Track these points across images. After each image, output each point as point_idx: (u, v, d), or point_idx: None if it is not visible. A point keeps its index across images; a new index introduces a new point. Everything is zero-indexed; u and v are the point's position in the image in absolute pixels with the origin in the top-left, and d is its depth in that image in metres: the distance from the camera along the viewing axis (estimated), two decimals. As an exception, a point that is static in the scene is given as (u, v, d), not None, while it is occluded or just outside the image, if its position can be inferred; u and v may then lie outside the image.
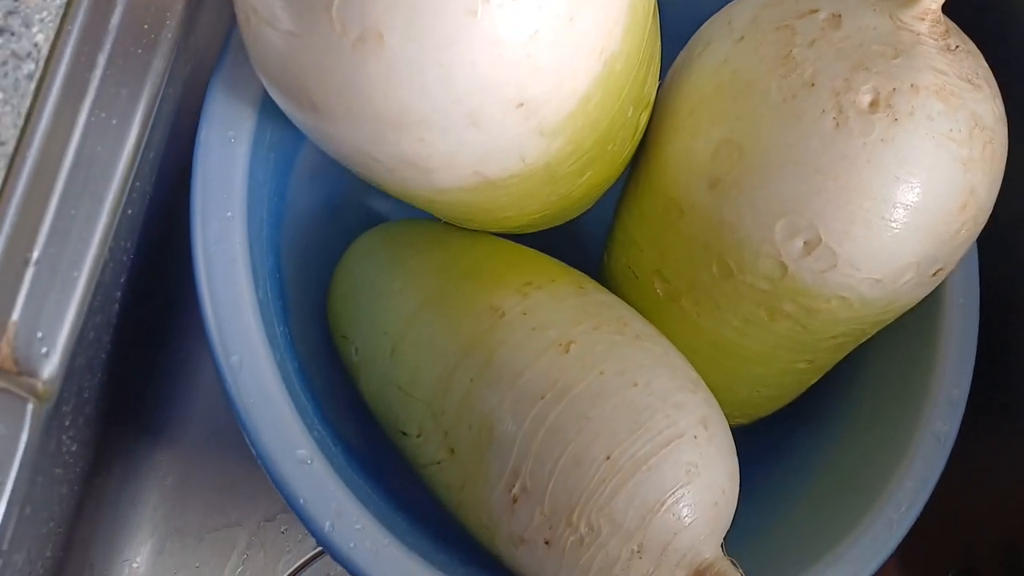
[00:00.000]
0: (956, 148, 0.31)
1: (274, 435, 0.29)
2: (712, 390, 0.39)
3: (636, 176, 0.38)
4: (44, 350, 0.23)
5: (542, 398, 0.31)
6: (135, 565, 0.39)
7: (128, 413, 0.38)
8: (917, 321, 0.40)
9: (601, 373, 0.31)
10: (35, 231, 0.23)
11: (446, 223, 0.38)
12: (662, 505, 0.30)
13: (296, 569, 0.42)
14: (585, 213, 0.42)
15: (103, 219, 0.24)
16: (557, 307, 0.33)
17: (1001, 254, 0.42)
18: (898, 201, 0.31)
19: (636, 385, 0.31)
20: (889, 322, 0.36)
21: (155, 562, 0.39)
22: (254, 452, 0.30)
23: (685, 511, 0.30)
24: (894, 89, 0.31)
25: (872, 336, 0.38)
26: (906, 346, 0.41)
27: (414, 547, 0.31)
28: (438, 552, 0.32)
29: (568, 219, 0.39)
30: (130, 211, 0.27)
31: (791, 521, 0.39)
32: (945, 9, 0.32)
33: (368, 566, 0.30)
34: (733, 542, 0.32)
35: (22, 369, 0.23)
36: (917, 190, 0.31)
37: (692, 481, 0.30)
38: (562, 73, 0.25)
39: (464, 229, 0.38)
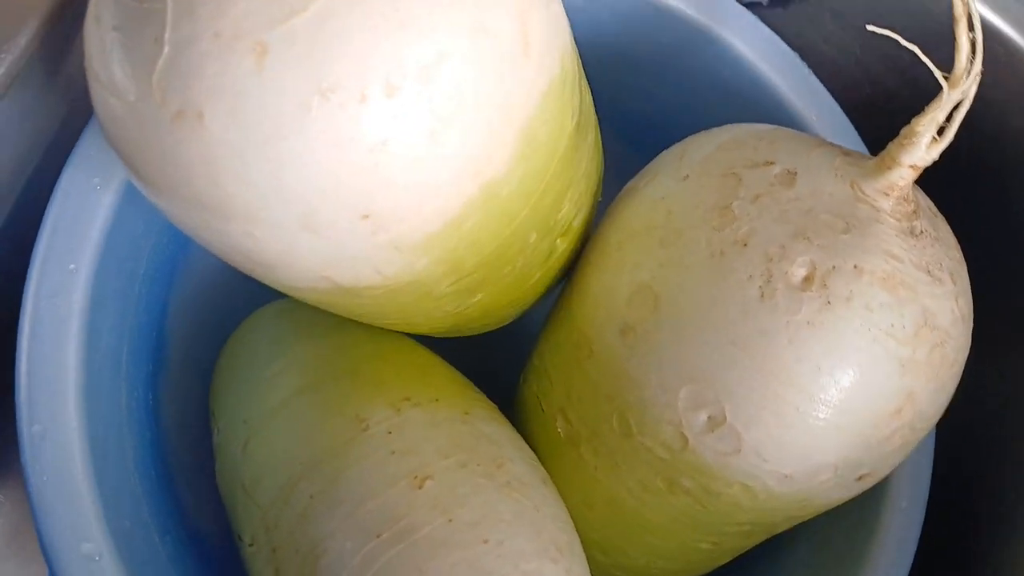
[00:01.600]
0: (896, 347, 0.27)
1: (60, 521, 0.26)
2: (605, 551, 0.35)
3: (560, 300, 0.35)
4: None
5: (378, 536, 0.27)
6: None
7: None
8: (850, 516, 0.36)
9: (450, 520, 0.28)
10: None
11: (353, 322, 0.35)
12: None
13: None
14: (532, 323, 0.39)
15: None
16: (428, 432, 0.30)
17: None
18: (818, 394, 0.27)
19: (486, 542, 0.28)
20: (807, 518, 0.32)
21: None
22: (37, 535, 0.26)
23: None
24: (834, 267, 0.27)
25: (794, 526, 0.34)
26: (836, 540, 0.36)
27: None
28: None
29: (480, 332, 0.35)
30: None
31: None
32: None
33: None
34: None
35: None
36: (842, 386, 0.27)
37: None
38: (421, 191, 0.22)
39: (368, 326, 0.35)
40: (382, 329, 0.34)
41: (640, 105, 0.40)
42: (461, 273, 0.26)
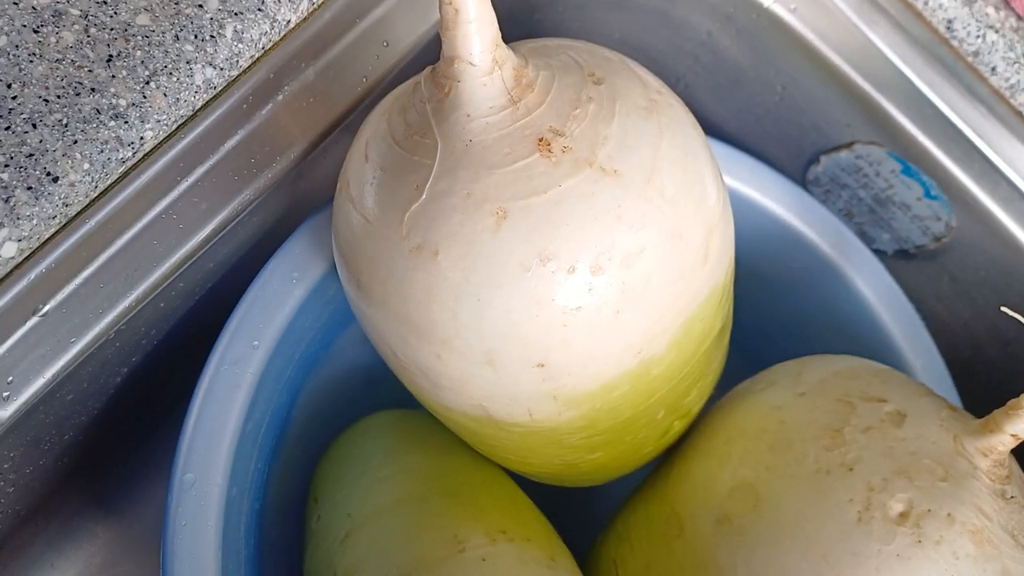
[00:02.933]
0: (976, 600, 0.29)
1: (186, 566, 0.29)
2: None
3: (655, 476, 0.37)
4: (6, 394, 0.24)
5: (457, 656, 0.29)
6: (18, 626, 0.37)
7: (88, 478, 0.37)
8: None
9: (525, 661, 0.29)
10: (57, 287, 0.24)
11: (463, 445, 0.38)
12: None
13: None
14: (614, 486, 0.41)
15: (125, 303, 0.25)
16: (517, 569, 0.32)
17: None
18: (896, 624, 0.28)
19: None
20: None
21: (39, 634, 0.38)
22: (162, 571, 0.29)
23: None
24: (929, 510, 0.29)
25: None
26: None
27: None
28: None
29: (576, 486, 0.38)
30: (162, 304, 0.28)
31: None
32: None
33: None
34: None
35: (-23, 402, 0.23)
36: (920, 621, 0.29)
37: None
38: (592, 354, 0.25)
39: (475, 453, 0.38)
40: (486, 460, 0.37)
41: (758, 319, 0.43)
42: (594, 432, 0.29)
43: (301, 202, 0.32)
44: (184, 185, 0.26)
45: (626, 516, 0.38)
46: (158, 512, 0.41)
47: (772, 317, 0.43)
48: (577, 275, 0.24)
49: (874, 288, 0.40)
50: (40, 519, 0.37)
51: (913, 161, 0.37)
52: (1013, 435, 0.30)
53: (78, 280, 0.24)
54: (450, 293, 0.24)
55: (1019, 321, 0.30)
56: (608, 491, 0.42)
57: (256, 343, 0.31)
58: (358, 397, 0.42)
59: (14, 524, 0.34)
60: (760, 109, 0.40)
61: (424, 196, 0.24)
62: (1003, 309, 0.28)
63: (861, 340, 0.41)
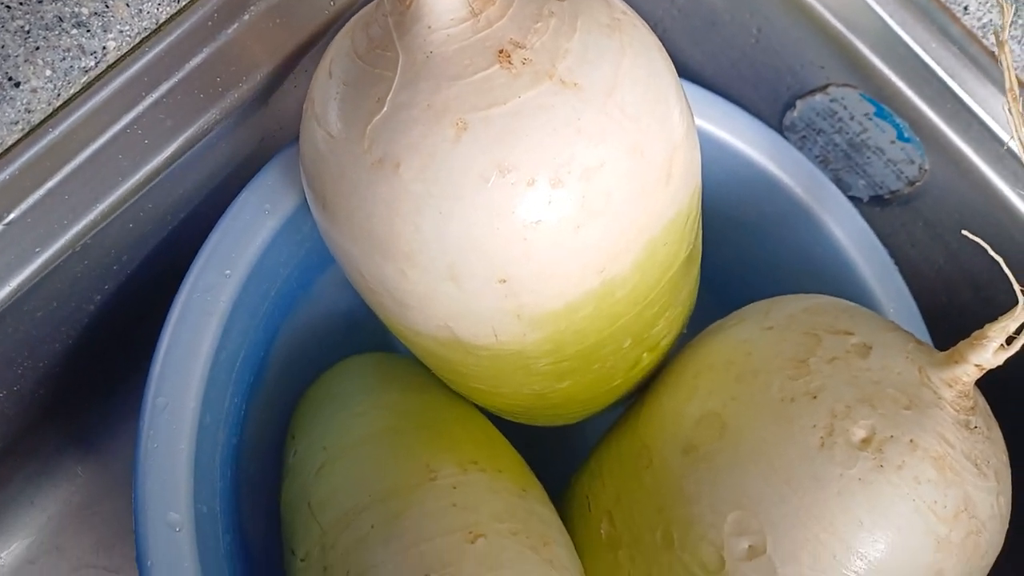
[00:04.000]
0: (935, 522, 0.29)
1: (157, 487, 0.29)
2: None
3: (627, 415, 0.38)
4: (-27, 304, 0.24)
5: (425, 575, 0.30)
6: (1, 559, 0.38)
7: (67, 415, 0.38)
8: None
9: (493, 579, 0.30)
10: (21, 197, 0.24)
11: (439, 380, 0.38)
12: None
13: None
14: (582, 426, 0.42)
15: (90, 217, 0.26)
16: (488, 496, 0.32)
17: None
18: (854, 546, 0.29)
19: (521, 607, 0.30)
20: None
21: (20, 568, 0.38)
22: (133, 494, 0.29)
23: None
24: (891, 436, 0.30)
25: None
26: None
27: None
28: None
29: (550, 424, 0.38)
30: (131, 225, 0.29)
31: None
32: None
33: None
34: None
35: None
36: (878, 545, 0.29)
37: None
38: (553, 271, 0.25)
39: (451, 391, 0.38)
40: (462, 400, 0.38)
41: (733, 262, 0.43)
42: (560, 356, 0.29)
43: (274, 136, 0.32)
44: (149, 100, 0.26)
45: (599, 454, 0.38)
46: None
47: (746, 261, 0.43)
48: (537, 187, 0.24)
49: (848, 232, 0.40)
50: (19, 456, 0.37)
51: (886, 102, 0.38)
52: (977, 365, 0.31)
53: (42, 190, 0.25)
54: (412, 205, 0.24)
55: (982, 246, 0.30)
56: (582, 436, 0.43)
57: (228, 272, 0.31)
58: (339, 341, 0.43)
59: (-8, 455, 0.34)
60: (736, 52, 0.40)
61: (385, 108, 0.24)
62: (964, 232, 0.28)
63: (834, 284, 0.41)
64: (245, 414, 0.38)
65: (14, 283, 0.25)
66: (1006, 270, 0.29)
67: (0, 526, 0.38)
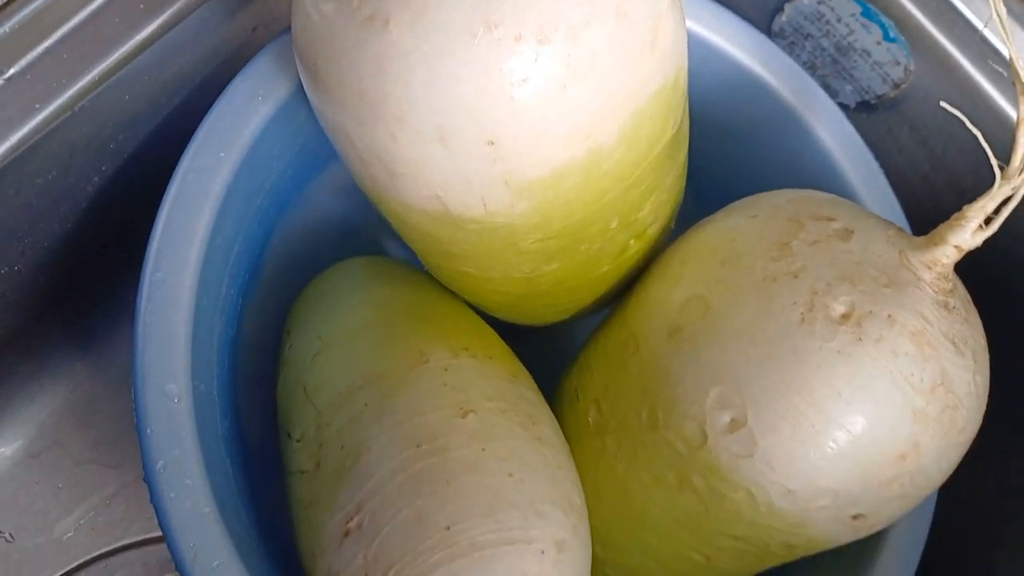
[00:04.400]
0: (912, 395, 0.30)
1: (156, 358, 0.30)
2: (605, 545, 0.37)
3: (614, 309, 0.38)
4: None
5: (418, 446, 0.31)
6: (4, 453, 0.38)
7: (67, 310, 0.38)
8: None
9: (483, 449, 0.31)
10: (21, 52, 0.25)
11: (432, 279, 0.39)
12: (475, 600, 0.28)
13: (147, 540, 0.41)
14: (573, 333, 0.43)
15: (88, 77, 0.26)
16: (478, 379, 0.33)
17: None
18: (833, 417, 0.30)
19: (511, 476, 0.30)
20: (798, 555, 0.34)
21: (22, 462, 0.39)
22: (132, 365, 0.30)
23: (496, 618, 0.28)
24: (870, 312, 0.30)
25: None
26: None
27: (232, 531, 0.30)
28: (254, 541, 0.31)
29: (538, 322, 0.39)
30: (127, 98, 0.29)
31: None
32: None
33: (177, 523, 0.29)
34: None
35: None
36: (856, 416, 0.30)
37: (516, 592, 0.29)
38: (540, 134, 0.26)
39: (443, 288, 0.39)
40: (445, 295, 0.38)
41: (719, 167, 0.44)
42: (547, 232, 0.30)
43: (266, 26, 0.33)
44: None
45: (587, 349, 0.39)
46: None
47: (732, 166, 0.44)
48: (523, 44, 0.24)
49: (834, 136, 0.41)
50: (20, 351, 0.38)
51: (872, 1, 0.38)
52: (956, 246, 0.32)
53: (41, 47, 0.25)
54: (402, 63, 0.25)
55: (964, 146, 0.30)
56: (571, 340, 0.44)
57: (223, 154, 0.32)
58: (332, 247, 0.43)
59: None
60: (724, -45, 0.40)
61: (375, -34, 0.25)
62: (942, 104, 0.28)
63: (821, 188, 0.42)
64: (241, 310, 0.38)
65: (14, 138, 0.25)
66: (984, 145, 0.30)
67: (2, 420, 0.39)
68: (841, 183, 0.41)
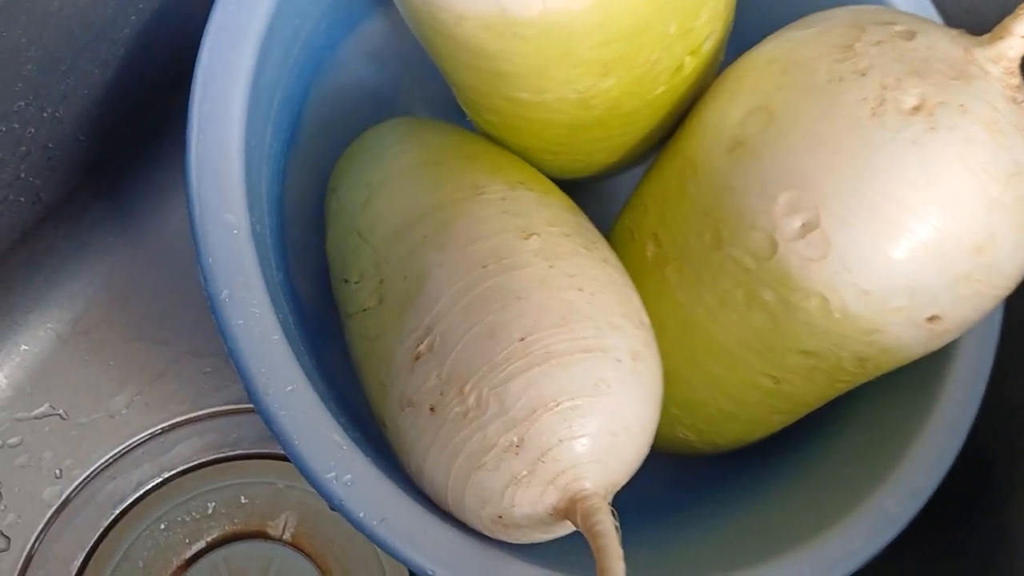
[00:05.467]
0: (988, 182, 0.29)
1: (212, 187, 0.29)
2: (669, 379, 0.36)
3: (666, 146, 0.37)
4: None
5: (483, 267, 0.30)
6: (51, 329, 0.38)
7: (104, 180, 0.38)
8: (903, 403, 0.37)
9: (551, 267, 0.30)
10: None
11: (474, 132, 0.38)
12: (557, 404, 0.28)
13: (201, 416, 0.40)
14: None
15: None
16: (538, 207, 0.33)
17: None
18: (909, 207, 0.29)
19: (581, 290, 0.30)
20: (870, 371, 0.34)
21: (71, 338, 0.38)
22: (187, 199, 0.29)
23: (579, 422, 0.28)
24: (942, 102, 0.30)
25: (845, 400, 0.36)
26: (885, 425, 0.38)
27: (301, 361, 0.30)
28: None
29: (589, 166, 0.38)
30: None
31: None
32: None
33: (247, 348, 0.28)
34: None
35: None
36: (932, 206, 0.29)
37: (597, 396, 0.28)
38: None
39: (488, 140, 0.38)
40: (494, 145, 0.37)
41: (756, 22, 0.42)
42: (606, 35, 0.29)
43: None
44: None
45: (639, 189, 0.38)
46: (179, 230, 0.42)
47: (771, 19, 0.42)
48: None
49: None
50: (61, 222, 0.37)
51: None
52: (1022, 37, 0.31)
53: None
54: None
55: None
56: (620, 196, 0.43)
57: (256, -1, 0.31)
58: (367, 113, 0.42)
59: (36, 213, 0.34)
60: None
61: None
62: None
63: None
64: (284, 167, 0.38)
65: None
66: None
67: (49, 297, 0.38)
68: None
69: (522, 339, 0.28)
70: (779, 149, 0.31)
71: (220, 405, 0.40)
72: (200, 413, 0.40)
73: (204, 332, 0.40)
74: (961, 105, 0.30)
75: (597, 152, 0.37)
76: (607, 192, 0.44)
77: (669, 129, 0.37)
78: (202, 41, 0.30)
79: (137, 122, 0.35)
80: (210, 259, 0.29)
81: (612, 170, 0.39)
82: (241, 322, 0.28)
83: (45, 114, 0.30)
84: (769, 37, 0.35)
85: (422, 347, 0.30)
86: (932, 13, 0.39)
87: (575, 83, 0.31)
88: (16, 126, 0.29)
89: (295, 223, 0.39)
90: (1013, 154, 0.30)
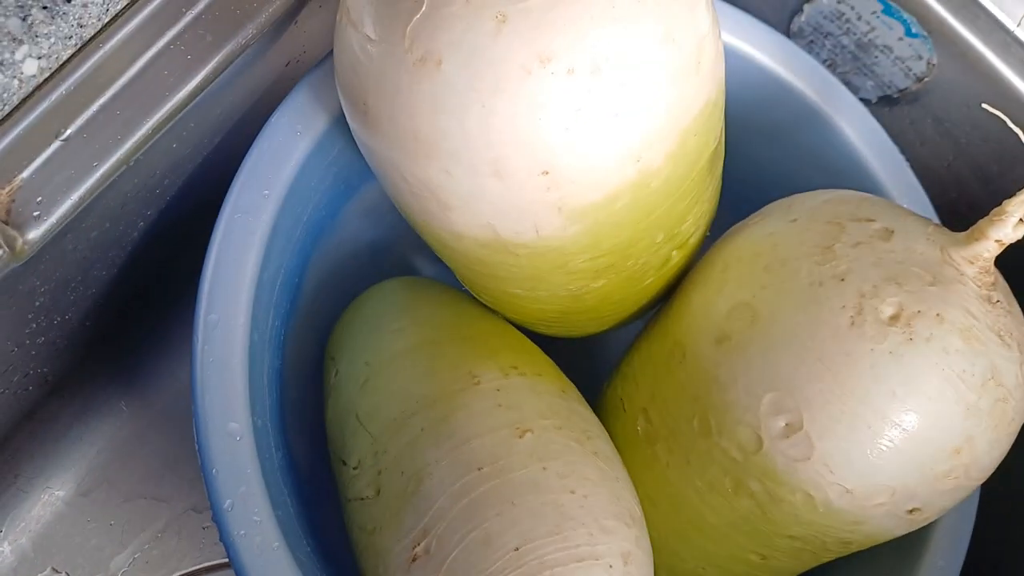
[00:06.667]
0: (964, 390, 0.30)
1: (216, 398, 0.30)
2: (659, 550, 0.37)
3: (656, 318, 0.39)
4: (37, 213, 0.25)
5: (479, 469, 0.31)
6: (56, 494, 0.39)
7: (109, 348, 0.39)
8: (887, 567, 0.38)
9: (544, 468, 0.31)
10: (77, 112, 0.25)
11: (470, 298, 0.39)
12: (550, 618, 0.29)
13: (199, 570, 0.41)
14: (608, 342, 0.43)
15: (142, 131, 0.26)
16: (530, 397, 0.34)
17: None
18: (889, 417, 0.30)
19: (573, 493, 0.31)
20: (853, 550, 0.35)
21: (75, 502, 0.39)
22: (193, 407, 0.30)
23: (571, 635, 0.29)
24: (919, 311, 0.31)
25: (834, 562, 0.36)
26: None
27: (300, 562, 0.30)
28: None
29: (581, 333, 0.39)
30: (175, 145, 0.29)
31: None
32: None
33: (249, 560, 0.29)
34: None
35: (11, 221, 0.24)
36: (911, 414, 0.30)
37: (589, 606, 0.29)
38: (593, 160, 0.26)
39: (483, 306, 0.39)
40: (487, 313, 0.39)
41: (746, 170, 0.44)
42: (597, 251, 0.30)
43: (298, 60, 0.33)
44: (189, 16, 0.26)
45: (630, 358, 0.39)
46: (180, 388, 0.43)
47: (760, 167, 0.44)
48: (576, 76, 0.25)
49: (859, 132, 0.41)
50: (67, 393, 0.38)
51: (893, -2, 0.38)
52: (997, 241, 0.32)
53: (96, 105, 0.25)
54: (456, 101, 0.25)
55: (991, 136, 0.31)
56: (614, 347, 0.44)
57: (266, 192, 0.32)
58: (365, 270, 0.44)
59: (42, 392, 0.35)
60: (741, -41, 0.41)
61: (424, 7, 0.25)
62: (984, 106, 0.29)
63: (848, 183, 0.42)
64: (284, 338, 0.39)
65: (75, 196, 0.26)
66: (1021, 135, 0.30)
67: (53, 461, 0.39)
68: (869, 178, 0.41)
69: (517, 548, 0.29)
70: (764, 350, 0.32)
71: (220, 558, 0.41)
72: (199, 567, 0.41)
73: (203, 488, 0.40)
74: (938, 315, 0.31)
75: (588, 324, 0.38)
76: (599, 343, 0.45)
77: (658, 302, 0.38)
78: (207, 251, 0.31)
79: (141, 300, 0.37)
80: (214, 470, 0.30)
81: (603, 333, 0.40)
82: (243, 532, 0.29)
83: (55, 321, 0.31)
84: (755, 219, 0.37)
85: (419, 549, 0.31)
86: (922, 198, 0.41)
87: (568, 285, 0.32)
88: (27, 342, 0.30)
89: (293, 386, 0.40)
90: (989, 359, 0.31)
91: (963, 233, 0.33)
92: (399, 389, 0.34)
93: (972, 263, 0.32)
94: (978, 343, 0.31)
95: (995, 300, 0.32)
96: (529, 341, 0.38)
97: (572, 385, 0.37)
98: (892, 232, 0.33)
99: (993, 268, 0.33)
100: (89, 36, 0.24)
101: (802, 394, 0.31)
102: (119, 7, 0.25)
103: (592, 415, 0.36)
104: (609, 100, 0.25)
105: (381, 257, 0.44)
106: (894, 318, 0.31)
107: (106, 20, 0.24)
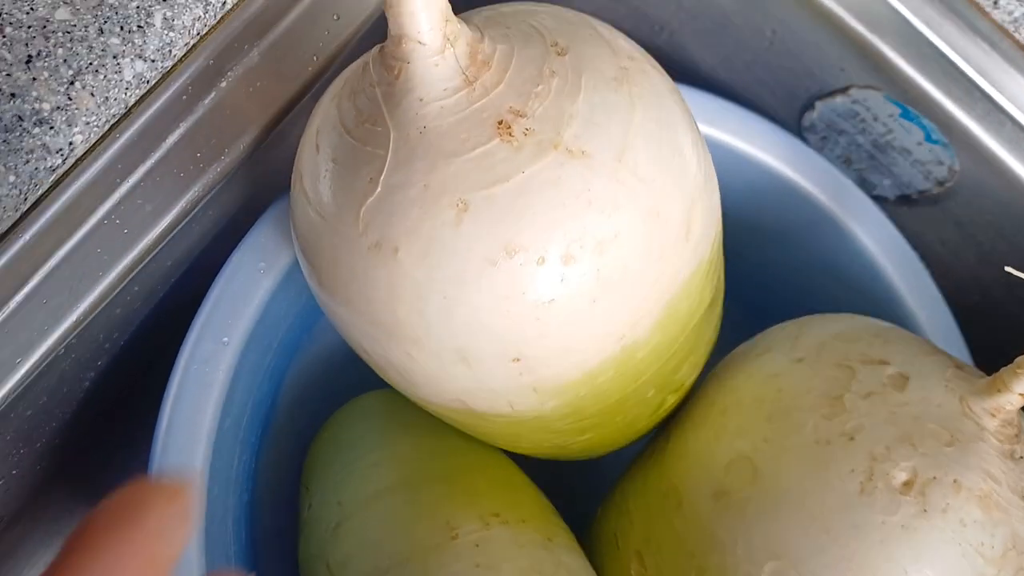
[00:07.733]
0: (983, 564, 0.28)
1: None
2: None
3: (652, 446, 0.36)
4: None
5: (454, 646, 0.29)
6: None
7: (74, 483, 0.37)
8: None
9: (522, 647, 0.29)
10: (3, 303, 0.23)
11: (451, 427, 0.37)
12: None
13: None
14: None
15: (72, 317, 0.24)
16: (512, 552, 0.31)
17: None
18: (900, 596, 0.28)
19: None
20: None
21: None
22: None
23: None
24: (934, 478, 0.28)
25: None
26: None
27: None
28: None
29: (571, 459, 0.37)
30: (118, 311, 0.27)
31: None
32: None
33: None
34: None
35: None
36: (925, 594, 0.28)
37: None
38: (570, 345, 0.24)
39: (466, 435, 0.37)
40: (471, 442, 0.36)
41: (757, 272, 0.41)
42: (581, 416, 0.28)
43: (263, 189, 0.30)
44: (124, 188, 0.24)
45: (624, 488, 0.37)
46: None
47: (771, 271, 0.41)
48: (548, 266, 0.22)
49: (876, 238, 0.38)
50: (26, 521, 0.36)
51: (912, 104, 0.35)
52: (1021, 394, 0.29)
53: (18, 298, 0.23)
54: (414, 292, 0.22)
55: (1016, 245, 0.28)
56: (607, 463, 0.41)
57: (226, 339, 0.30)
58: (345, 378, 0.41)
59: (9, 521, 0.33)
60: (749, 55, 0.38)
61: (379, 189, 0.22)
62: (1008, 269, 0.26)
63: (864, 291, 0.39)
64: (256, 468, 0.36)
65: (6, 388, 0.23)
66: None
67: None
68: (885, 287, 0.38)
69: None
70: (766, 513, 0.29)
71: None
72: None
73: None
74: (955, 481, 0.28)
75: (576, 458, 0.36)
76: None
77: (655, 432, 0.36)
78: (160, 411, 0.29)
79: (101, 427, 0.35)
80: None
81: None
82: None
83: (16, 457, 0.29)
84: (758, 349, 0.34)
85: None
86: (943, 308, 0.38)
87: (552, 440, 0.30)
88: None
89: (270, 512, 0.38)
90: (1010, 527, 0.28)
91: (984, 381, 0.30)
92: (372, 541, 0.32)
93: (994, 416, 0.29)
94: (998, 511, 0.28)
95: (1018, 456, 0.30)
96: (516, 473, 0.36)
97: (561, 527, 0.34)
98: (907, 379, 0.30)
99: (1017, 419, 0.30)
100: (5, 229, 0.22)
101: (807, 567, 0.28)
102: (39, 192, 0.22)
103: (581, 563, 0.33)
104: (586, 288, 0.23)
105: (360, 365, 0.42)
106: (907, 485, 0.28)
107: (24, 209, 0.22)
